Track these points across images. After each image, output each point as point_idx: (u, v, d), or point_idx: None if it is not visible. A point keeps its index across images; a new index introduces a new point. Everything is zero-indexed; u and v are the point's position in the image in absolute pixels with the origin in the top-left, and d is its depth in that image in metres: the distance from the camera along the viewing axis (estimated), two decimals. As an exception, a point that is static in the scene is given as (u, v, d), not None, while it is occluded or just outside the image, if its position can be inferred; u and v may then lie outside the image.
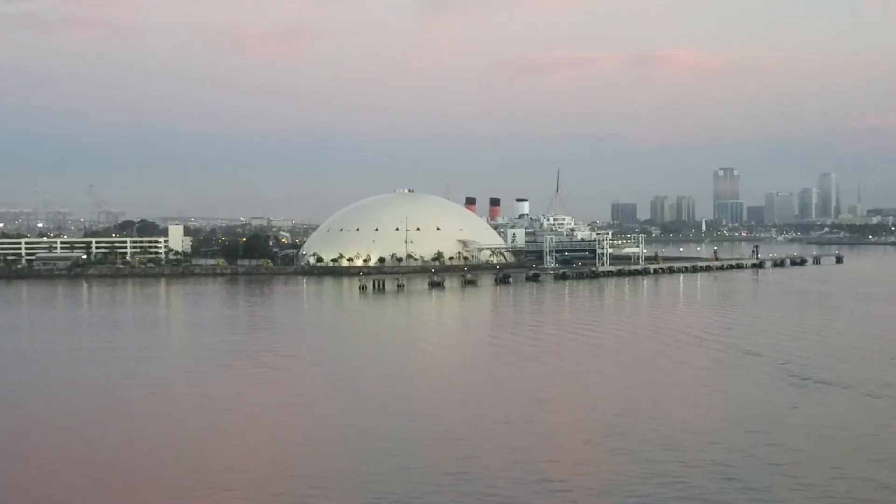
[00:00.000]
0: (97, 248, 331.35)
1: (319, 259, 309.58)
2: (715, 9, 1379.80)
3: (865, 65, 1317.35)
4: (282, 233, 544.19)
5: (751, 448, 66.71)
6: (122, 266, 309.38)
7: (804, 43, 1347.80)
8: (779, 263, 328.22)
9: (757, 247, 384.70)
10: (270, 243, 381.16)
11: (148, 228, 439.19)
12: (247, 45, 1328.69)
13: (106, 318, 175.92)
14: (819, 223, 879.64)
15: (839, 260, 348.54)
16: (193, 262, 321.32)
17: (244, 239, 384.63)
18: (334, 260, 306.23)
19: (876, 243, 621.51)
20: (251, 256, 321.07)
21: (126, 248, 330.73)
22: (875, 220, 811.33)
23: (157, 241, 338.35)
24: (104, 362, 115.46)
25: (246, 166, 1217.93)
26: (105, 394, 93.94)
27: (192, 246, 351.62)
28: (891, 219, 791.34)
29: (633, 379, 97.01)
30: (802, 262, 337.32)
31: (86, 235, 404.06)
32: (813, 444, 67.80)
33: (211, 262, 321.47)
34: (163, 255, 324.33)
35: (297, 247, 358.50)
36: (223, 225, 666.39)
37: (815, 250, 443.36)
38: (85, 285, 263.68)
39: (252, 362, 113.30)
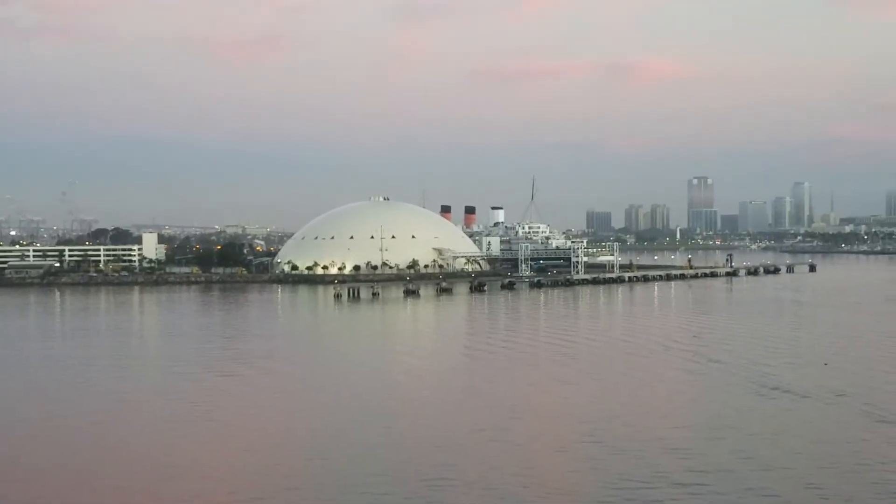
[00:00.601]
0: (70, 256, 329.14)
1: (294, 267, 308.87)
2: (689, 19, 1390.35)
3: (838, 75, 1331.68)
4: (257, 241, 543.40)
5: (717, 456, 67.20)
6: (95, 274, 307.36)
7: (777, 53, 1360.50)
8: (753, 272, 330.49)
9: (731, 255, 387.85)
10: (245, 251, 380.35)
11: (122, 236, 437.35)
12: (222, 54, 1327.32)
13: (78, 328, 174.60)
14: (792, 232, 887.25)
15: (812, 268, 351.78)
16: (167, 270, 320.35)
17: (219, 247, 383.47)
18: (309, 268, 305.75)
19: (849, 252, 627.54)
20: (226, 264, 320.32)
21: (99, 256, 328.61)
22: (848, 228, 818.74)
23: (130, 250, 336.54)
24: (76, 371, 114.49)
25: (221, 174, 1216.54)
26: (77, 402, 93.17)
27: (166, 254, 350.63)
28: (863, 227, 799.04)
29: (607, 387, 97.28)
30: (776, 270, 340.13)
31: (59, 243, 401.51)
32: (776, 453, 68.02)
33: (185, 270, 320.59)
34: (136, 264, 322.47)
35: (272, 255, 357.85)
36: (197, 233, 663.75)
37: (788, 259, 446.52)
38: (57, 294, 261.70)
39: (225, 371, 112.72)
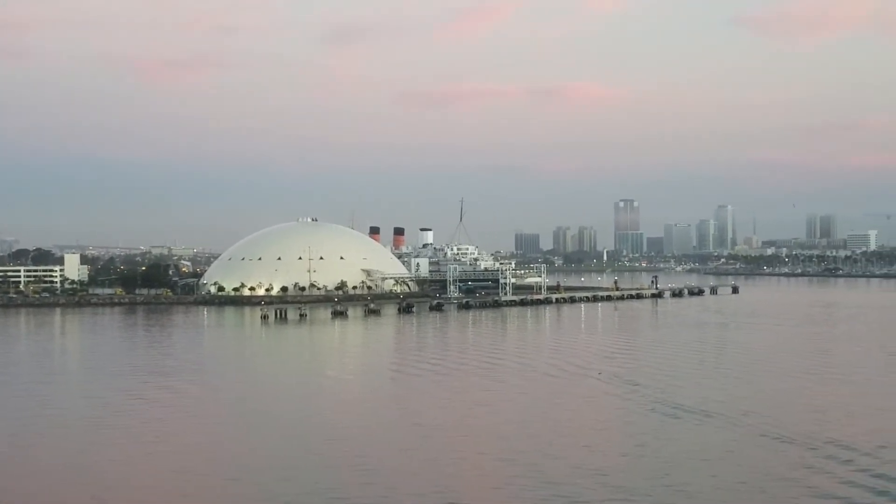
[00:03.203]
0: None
1: (221, 288, 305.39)
2: (616, 43, 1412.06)
3: (760, 101, 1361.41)
4: (183, 261, 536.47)
5: (628, 476, 68.40)
6: (14, 296, 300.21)
7: (702, 78, 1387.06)
8: (677, 293, 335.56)
9: (656, 277, 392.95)
10: (170, 272, 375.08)
11: (43, 257, 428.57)
12: (148, 74, 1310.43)
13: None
14: (716, 254, 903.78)
15: (735, 290, 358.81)
16: (90, 291, 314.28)
17: (143, 268, 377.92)
18: (236, 289, 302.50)
19: (770, 274, 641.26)
20: (150, 286, 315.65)
21: (20, 277, 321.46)
22: (769, 251, 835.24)
23: (52, 270, 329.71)
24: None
25: (147, 194, 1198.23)
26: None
27: (88, 275, 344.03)
28: (784, 250, 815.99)
29: (530, 408, 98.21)
30: (700, 292, 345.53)
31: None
32: (684, 475, 69.32)
33: (108, 291, 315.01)
34: (58, 285, 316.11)
35: (199, 276, 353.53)
36: (122, 254, 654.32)
37: (712, 281, 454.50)
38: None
39: (148, 393, 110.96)
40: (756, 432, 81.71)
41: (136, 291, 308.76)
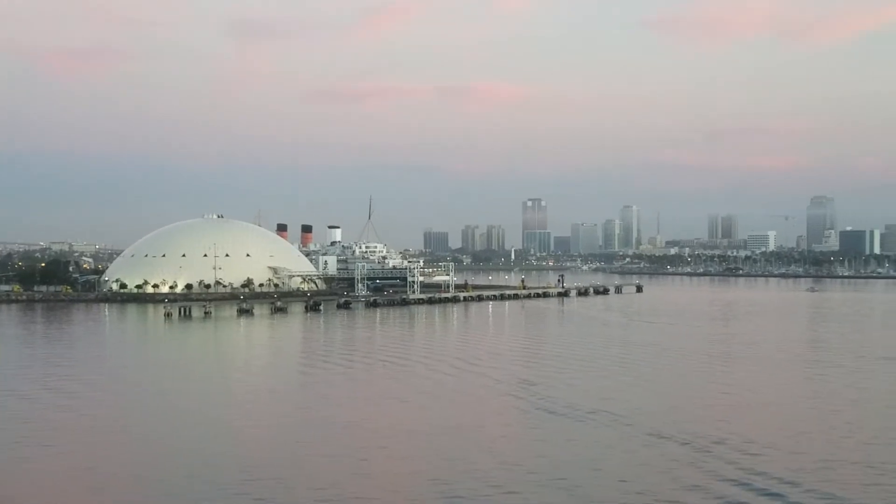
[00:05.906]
0: None
1: (123, 285, 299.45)
2: (524, 44, 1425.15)
3: (664, 102, 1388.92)
4: (84, 258, 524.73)
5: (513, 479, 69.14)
6: None
7: (607, 79, 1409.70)
8: (583, 292, 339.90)
9: (562, 276, 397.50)
10: (71, 269, 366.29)
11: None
12: (50, 63, 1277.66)
13: None
14: (621, 253, 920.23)
15: (639, 289, 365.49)
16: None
17: (42, 264, 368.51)
18: (139, 286, 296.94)
19: (673, 273, 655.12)
20: (49, 282, 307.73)
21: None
22: (673, 251, 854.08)
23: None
24: None
25: (46, 188, 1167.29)
26: None
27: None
28: (687, 250, 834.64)
29: (434, 406, 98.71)
30: (605, 291, 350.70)
31: None
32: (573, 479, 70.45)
33: (5, 288, 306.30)
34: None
35: (100, 273, 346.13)
36: (21, 250, 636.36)
37: (617, 279, 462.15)
38: None
39: (42, 390, 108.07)
40: (645, 432, 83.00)
41: (35, 288, 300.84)
